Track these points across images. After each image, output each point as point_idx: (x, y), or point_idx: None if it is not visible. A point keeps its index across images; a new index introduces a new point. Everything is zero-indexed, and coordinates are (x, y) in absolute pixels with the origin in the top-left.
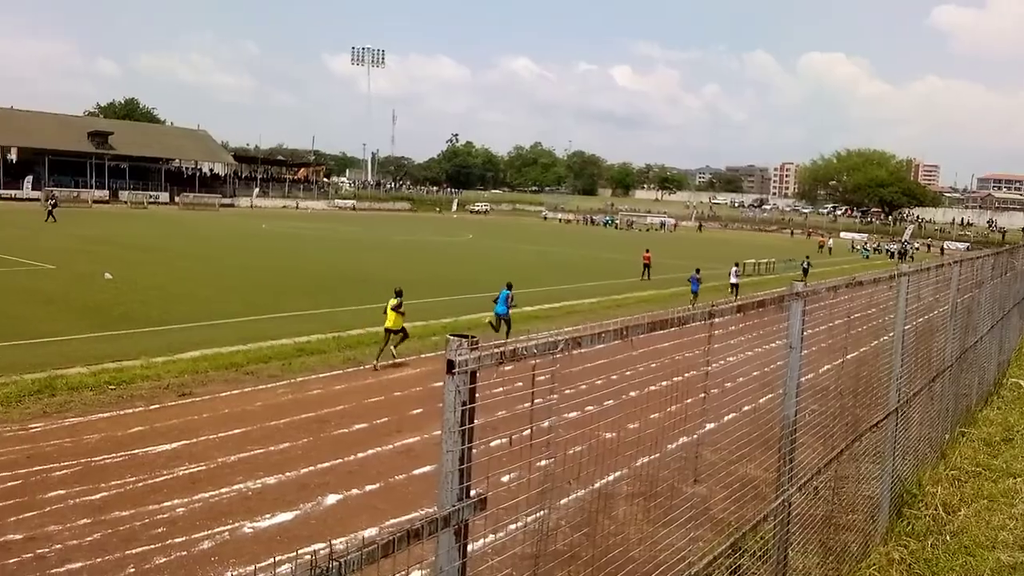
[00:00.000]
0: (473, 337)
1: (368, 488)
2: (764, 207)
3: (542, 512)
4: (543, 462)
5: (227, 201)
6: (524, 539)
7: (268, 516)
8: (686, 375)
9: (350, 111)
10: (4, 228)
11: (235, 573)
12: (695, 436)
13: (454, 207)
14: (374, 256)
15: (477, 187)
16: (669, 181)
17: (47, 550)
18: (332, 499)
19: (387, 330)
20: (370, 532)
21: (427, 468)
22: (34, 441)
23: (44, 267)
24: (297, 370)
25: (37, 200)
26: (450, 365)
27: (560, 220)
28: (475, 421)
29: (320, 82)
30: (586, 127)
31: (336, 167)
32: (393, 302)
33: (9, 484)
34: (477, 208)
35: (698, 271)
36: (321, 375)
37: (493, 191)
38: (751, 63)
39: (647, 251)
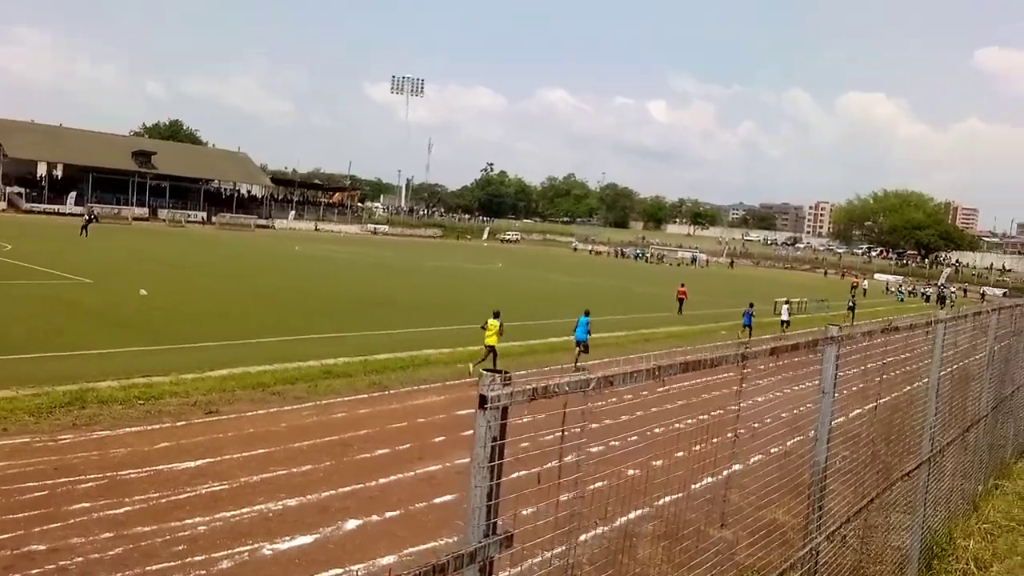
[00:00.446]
0: (506, 372)
1: (388, 515)
2: (797, 245)
3: (565, 549)
4: (566, 496)
5: (263, 222)
6: None
7: (288, 538)
8: (714, 413)
9: (387, 137)
10: (45, 242)
11: None
12: (722, 477)
13: (485, 235)
14: (404, 281)
15: (509, 216)
16: (702, 216)
17: (69, 562)
18: (352, 524)
19: (487, 347)
20: (388, 560)
21: (448, 497)
22: (62, 453)
23: (82, 281)
24: (323, 392)
25: (80, 216)
26: (482, 400)
27: (591, 251)
28: (504, 457)
29: (359, 109)
30: (620, 160)
31: (371, 192)
32: (494, 322)
33: (36, 495)
34: (508, 237)
35: (751, 306)
36: (346, 398)
37: (525, 221)
38: (789, 100)
39: (682, 285)
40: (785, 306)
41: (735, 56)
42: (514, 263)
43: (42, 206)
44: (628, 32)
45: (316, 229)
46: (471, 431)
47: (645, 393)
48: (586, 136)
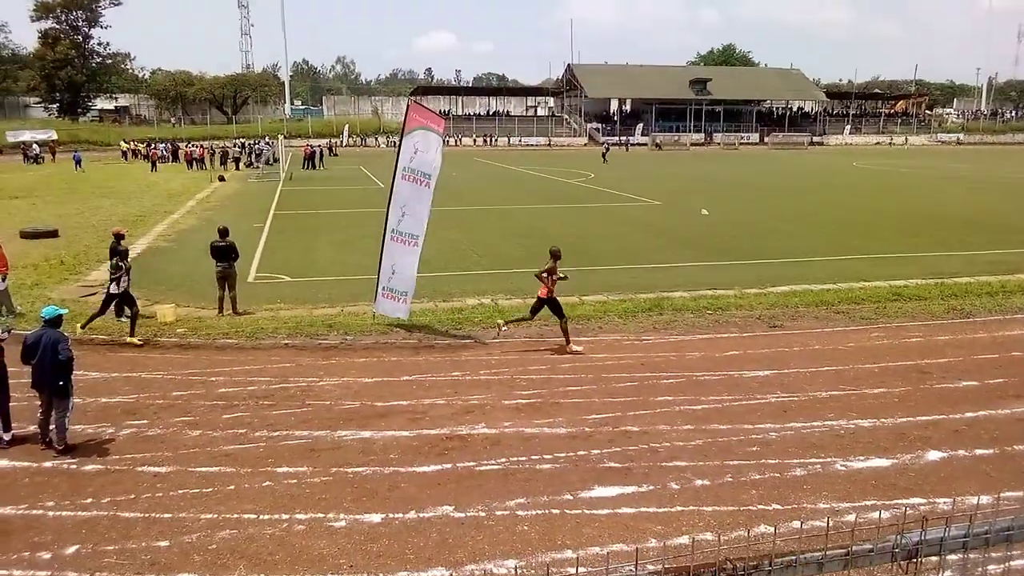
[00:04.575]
0: None
1: (978, 452)
2: None
3: None
4: None
5: (816, 139)
6: None
7: (861, 458)
8: None
9: (962, 33)
10: (620, 169)
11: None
12: None
13: None
14: (984, 197)
15: None
16: None
17: (658, 445)
18: (934, 455)
19: None
20: (982, 499)
21: None
22: (646, 351)
23: (652, 203)
24: (892, 315)
25: (645, 145)
26: None
27: None
28: None
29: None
30: None
31: (941, 97)
32: None
33: (627, 384)
34: None
35: None
36: (920, 322)
37: None
38: None
39: None
40: None
41: None
42: None
43: (614, 138)
44: None
45: (876, 143)
46: None
47: None
48: None
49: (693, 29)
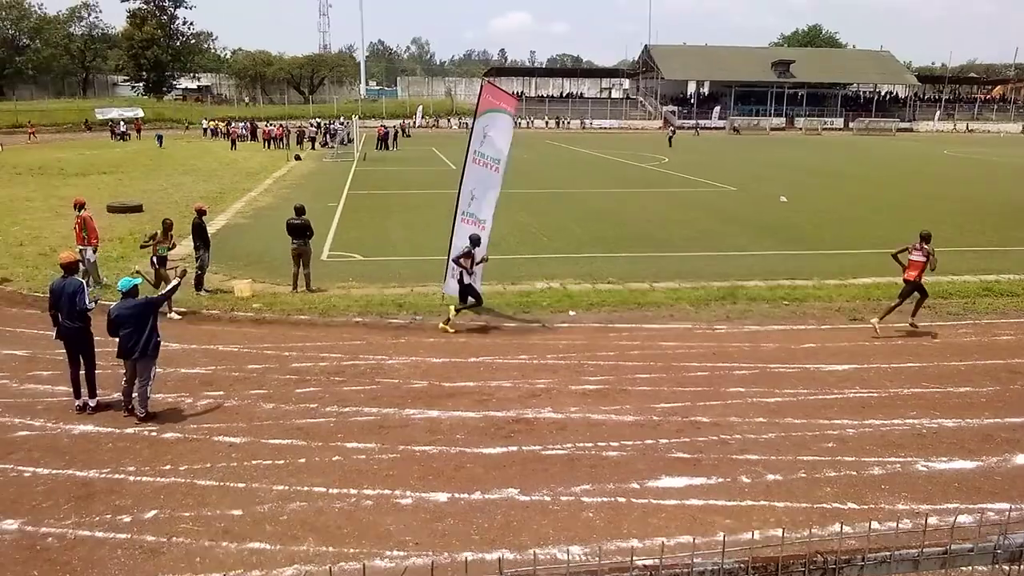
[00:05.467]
0: None
1: None
2: None
3: None
4: None
5: (904, 125)
6: None
7: (944, 459)
8: None
9: None
10: (690, 154)
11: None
12: None
13: None
14: None
15: None
16: None
17: (728, 437)
18: (1022, 459)
19: None
20: None
21: None
22: (719, 340)
23: (727, 189)
24: (982, 311)
25: (722, 129)
26: None
27: None
28: None
29: None
30: None
31: None
32: None
33: (698, 374)
34: None
35: None
36: (1012, 320)
37: None
38: None
39: None
40: None
41: None
42: None
43: (691, 121)
44: None
45: (968, 130)
46: None
47: None
48: None
49: (777, 9)
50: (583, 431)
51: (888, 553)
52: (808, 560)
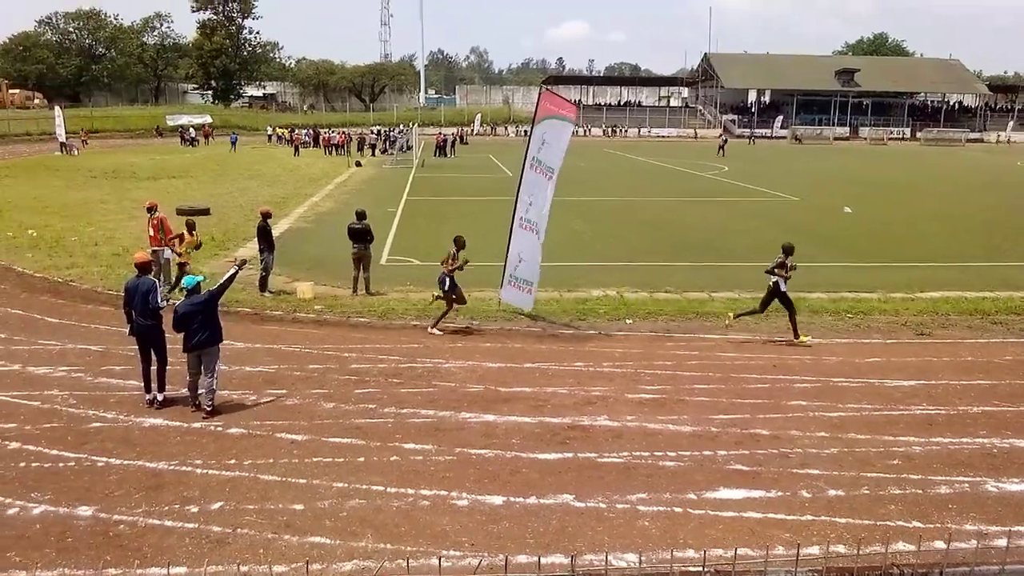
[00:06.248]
0: None
1: None
2: None
3: None
4: None
5: (974, 136)
6: None
7: (1016, 480)
8: None
9: None
10: (752, 163)
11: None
12: None
13: None
14: None
15: None
16: None
17: (789, 450)
18: None
19: None
20: None
21: None
22: (779, 352)
23: (789, 199)
24: None
25: (784, 139)
26: None
27: None
28: None
29: None
30: None
31: None
32: None
33: (758, 386)
34: None
35: None
36: None
37: None
38: None
39: None
40: None
41: None
42: None
43: (750, 131)
44: None
45: None
46: None
47: None
48: None
49: (841, 17)
50: (639, 440)
51: (968, 568)
52: (884, 571)
